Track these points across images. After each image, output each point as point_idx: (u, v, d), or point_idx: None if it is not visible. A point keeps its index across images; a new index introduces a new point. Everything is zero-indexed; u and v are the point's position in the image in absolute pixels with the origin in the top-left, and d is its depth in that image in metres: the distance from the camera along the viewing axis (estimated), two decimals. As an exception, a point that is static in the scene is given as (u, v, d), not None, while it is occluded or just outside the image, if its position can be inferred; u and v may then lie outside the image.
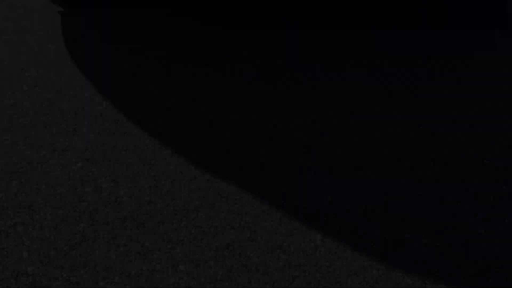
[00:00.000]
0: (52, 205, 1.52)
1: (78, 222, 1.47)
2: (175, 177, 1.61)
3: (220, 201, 1.54)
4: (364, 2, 2.32)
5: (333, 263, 1.35)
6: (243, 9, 2.47)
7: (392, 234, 1.44)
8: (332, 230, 1.45)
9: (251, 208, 1.52)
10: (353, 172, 1.64)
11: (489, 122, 1.84)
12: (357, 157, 1.69)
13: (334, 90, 1.97)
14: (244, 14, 2.43)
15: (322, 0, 2.20)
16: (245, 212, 1.50)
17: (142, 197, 1.55)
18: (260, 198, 1.55)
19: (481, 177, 1.63)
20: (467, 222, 1.48)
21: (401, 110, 1.87)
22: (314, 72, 2.06)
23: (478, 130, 1.81)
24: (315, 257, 1.37)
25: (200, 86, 1.99)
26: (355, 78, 2.03)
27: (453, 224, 1.48)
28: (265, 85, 1.98)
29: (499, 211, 1.52)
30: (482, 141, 1.76)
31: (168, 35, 2.30)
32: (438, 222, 1.48)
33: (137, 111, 1.87)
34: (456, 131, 1.80)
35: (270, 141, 1.75)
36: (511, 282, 1.29)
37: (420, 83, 2.01)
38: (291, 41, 2.24)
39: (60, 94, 1.96)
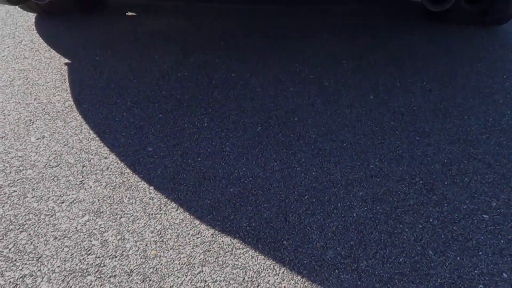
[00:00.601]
0: (60, 258, 1.62)
1: (86, 275, 1.57)
2: (180, 231, 1.72)
3: (224, 255, 1.64)
4: None
5: (334, 318, 1.44)
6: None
7: (392, 289, 1.54)
8: (333, 285, 1.55)
9: (255, 263, 1.61)
10: (353, 228, 1.74)
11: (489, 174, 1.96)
12: (358, 209, 1.80)
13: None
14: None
15: None
16: (248, 266, 1.60)
17: (148, 251, 1.65)
18: (263, 252, 1.65)
19: (479, 231, 1.73)
20: (466, 277, 1.58)
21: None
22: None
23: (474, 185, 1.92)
24: (317, 312, 1.46)
25: (205, 141, 2.11)
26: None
27: (453, 278, 1.57)
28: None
29: (497, 266, 1.62)
30: (481, 197, 1.87)
31: (174, 88, 2.44)
32: (437, 277, 1.58)
33: (143, 165, 1.99)
34: (453, 186, 1.92)
35: (269, 188, 1.87)
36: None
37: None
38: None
39: (68, 146, 2.09)
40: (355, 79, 2.51)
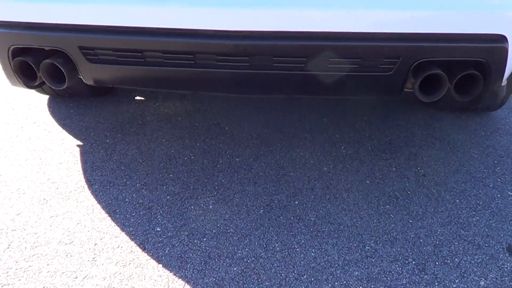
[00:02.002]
0: (74, 331, 1.84)
1: None
2: (187, 306, 1.95)
3: (228, 329, 1.86)
4: None
5: None
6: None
7: None
8: None
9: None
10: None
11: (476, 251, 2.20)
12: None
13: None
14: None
15: None
16: None
17: (157, 325, 1.87)
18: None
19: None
20: None
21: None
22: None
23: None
24: None
25: (210, 223, 2.37)
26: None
27: None
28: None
29: None
30: (470, 276, 2.10)
31: (181, 171, 2.73)
32: None
33: (152, 244, 2.24)
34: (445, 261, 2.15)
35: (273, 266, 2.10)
36: None
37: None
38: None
39: (80, 225, 2.35)
40: (353, 164, 2.81)
